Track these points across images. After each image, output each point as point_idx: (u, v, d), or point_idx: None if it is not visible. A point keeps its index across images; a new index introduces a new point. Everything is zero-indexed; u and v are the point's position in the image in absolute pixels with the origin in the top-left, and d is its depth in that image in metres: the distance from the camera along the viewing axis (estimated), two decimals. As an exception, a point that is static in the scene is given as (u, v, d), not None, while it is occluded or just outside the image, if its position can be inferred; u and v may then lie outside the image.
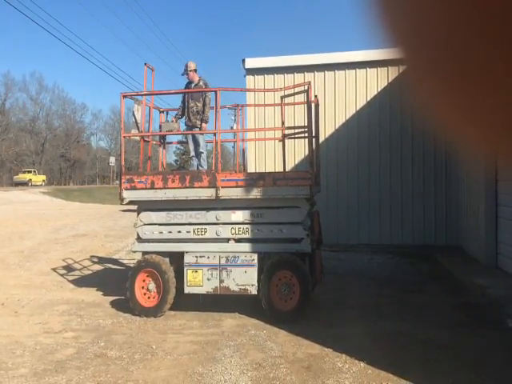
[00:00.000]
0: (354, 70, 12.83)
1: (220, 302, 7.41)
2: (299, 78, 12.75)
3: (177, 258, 7.38)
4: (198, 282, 7.12)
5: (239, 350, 5.73)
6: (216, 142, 7.43)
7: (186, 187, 7.23)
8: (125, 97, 7.75)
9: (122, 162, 7.86)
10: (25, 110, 77.15)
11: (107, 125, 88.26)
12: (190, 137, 8.93)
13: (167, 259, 7.31)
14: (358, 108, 12.84)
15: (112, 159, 64.83)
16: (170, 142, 9.61)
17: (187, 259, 7.17)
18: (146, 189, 7.38)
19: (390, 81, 12.62)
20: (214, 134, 7.55)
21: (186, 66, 8.77)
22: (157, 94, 8.95)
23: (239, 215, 7.20)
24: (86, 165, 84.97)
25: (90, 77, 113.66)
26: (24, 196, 33.77)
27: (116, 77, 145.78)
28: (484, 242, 9.62)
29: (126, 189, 7.47)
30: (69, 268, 10.73)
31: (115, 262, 11.73)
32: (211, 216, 7.27)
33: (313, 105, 7.49)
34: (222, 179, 7.12)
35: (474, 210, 10.35)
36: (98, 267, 11.02)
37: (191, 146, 8.86)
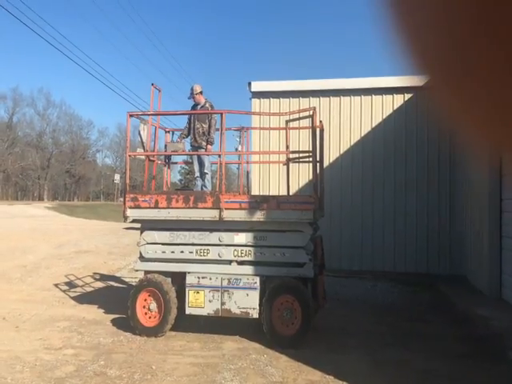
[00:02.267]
0: (359, 97, 12.94)
1: (221, 324, 7.37)
2: (304, 102, 12.86)
3: (179, 279, 7.37)
4: (199, 303, 7.10)
5: (239, 374, 5.69)
6: (220, 164, 7.49)
7: (190, 207, 7.25)
8: (131, 116, 7.83)
9: (127, 181, 7.92)
10: (32, 124, 78.02)
11: (113, 142, 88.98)
12: (195, 157, 9.00)
13: (169, 279, 7.30)
14: (362, 134, 12.91)
15: (117, 176, 65.13)
16: (175, 162, 9.69)
17: (189, 280, 7.17)
18: (149, 208, 7.42)
19: (395, 108, 12.72)
20: (219, 156, 7.61)
21: (192, 89, 8.88)
22: (163, 115, 9.06)
23: (242, 237, 7.21)
24: (90, 181, 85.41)
25: (97, 94, 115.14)
26: (29, 211, 33.87)
27: (123, 95, 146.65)
28: (488, 273, 9.58)
29: (130, 207, 7.51)
30: (71, 284, 10.72)
31: (117, 279, 11.72)
32: (214, 237, 7.28)
33: (317, 130, 7.55)
34: (226, 201, 7.14)
35: (478, 239, 10.33)
36: (100, 284, 11.01)
37: (196, 167, 8.92)
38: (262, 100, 13.21)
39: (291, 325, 6.80)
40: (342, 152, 13.00)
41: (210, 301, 7.05)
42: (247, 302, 6.95)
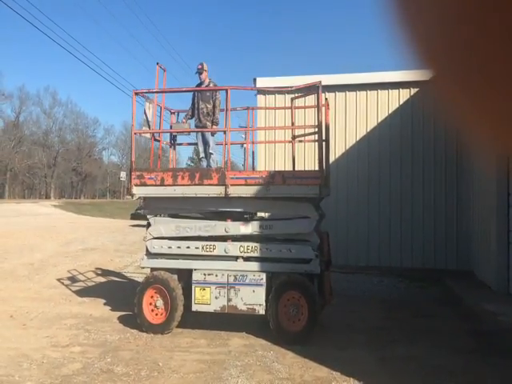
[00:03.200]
0: (364, 92, 12.88)
1: (228, 320, 7.36)
2: (310, 98, 12.78)
3: (185, 275, 7.37)
4: (205, 300, 7.09)
5: (246, 371, 5.68)
6: (226, 141, 7.49)
7: (196, 184, 7.23)
8: (136, 94, 7.81)
9: (133, 158, 7.89)
10: (38, 123, 78.33)
11: (119, 140, 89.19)
12: (199, 138, 8.93)
13: (175, 276, 7.30)
14: (368, 129, 12.85)
15: (123, 174, 65.25)
16: (180, 144, 9.62)
17: (195, 277, 7.16)
18: (155, 185, 7.39)
19: (401, 103, 12.65)
20: (224, 133, 7.58)
21: (202, 65, 8.83)
22: (168, 92, 8.98)
23: (248, 227, 7.20)
24: (97, 179, 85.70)
25: (103, 92, 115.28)
26: (36, 209, 34.01)
27: (128, 93, 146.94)
28: (495, 268, 9.52)
29: (136, 185, 7.48)
30: (77, 282, 10.75)
31: (124, 276, 11.75)
32: (220, 228, 7.28)
33: (323, 108, 7.47)
34: (232, 177, 7.12)
35: (485, 234, 10.27)
36: (106, 282, 11.04)
37: (201, 147, 8.88)
38: (267, 96, 13.14)
39: (298, 321, 6.78)
40: (347, 147, 12.95)
41: (216, 297, 7.05)
42: (253, 298, 6.94)
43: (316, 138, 7.54)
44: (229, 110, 7.43)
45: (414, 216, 12.40)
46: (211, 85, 8.81)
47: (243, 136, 12.07)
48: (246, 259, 7.17)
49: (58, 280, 10.85)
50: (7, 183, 71.30)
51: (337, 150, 12.85)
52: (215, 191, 7.17)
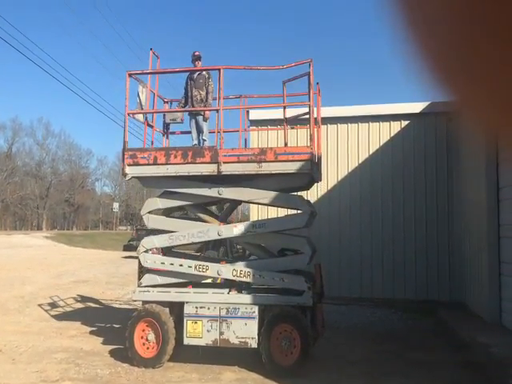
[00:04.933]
0: (356, 124, 13.06)
1: (220, 353, 7.30)
2: (302, 130, 12.91)
3: (176, 309, 7.34)
4: (197, 333, 7.05)
5: (238, 405, 5.63)
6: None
7: (188, 163, 7.26)
8: (130, 75, 7.80)
9: (126, 139, 7.77)
10: (31, 154, 78.27)
11: (112, 171, 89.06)
12: (193, 125, 8.91)
13: (167, 309, 7.26)
14: (360, 161, 12.99)
15: (116, 205, 65.21)
16: (173, 132, 9.59)
17: (187, 310, 7.13)
18: (148, 164, 7.41)
19: (392, 135, 12.82)
20: (217, 111, 7.62)
21: (199, 55, 8.88)
22: (162, 73, 8.95)
23: (241, 228, 7.24)
24: (89, 210, 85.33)
25: (96, 124, 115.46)
26: (27, 240, 33.77)
27: (122, 124, 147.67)
28: (487, 299, 9.53)
29: (129, 164, 7.49)
30: (68, 315, 10.65)
31: (115, 309, 11.65)
32: (213, 232, 7.31)
33: (313, 84, 7.46)
34: (224, 154, 7.16)
35: (477, 266, 10.31)
36: (98, 315, 10.93)
37: (194, 134, 8.85)
38: (260, 127, 13.19)
39: (290, 354, 6.75)
40: (340, 179, 13.06)
41: (208, 331, 7.01)
42: (246, 331, 6.90)
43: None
44: (222, 89, 7.43)
45: (406, 247, 12.44)
46: (204, 72, 8.85)
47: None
48: (239, 291, 7.17)
49: (49, 313, 10.75)
50: (-1, 215, 70.92)
51: (329, 181, 12.96)
52: (208, 169, 7.20)
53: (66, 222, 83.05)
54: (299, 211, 7.31)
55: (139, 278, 7.76)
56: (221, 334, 6.95)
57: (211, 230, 7.33)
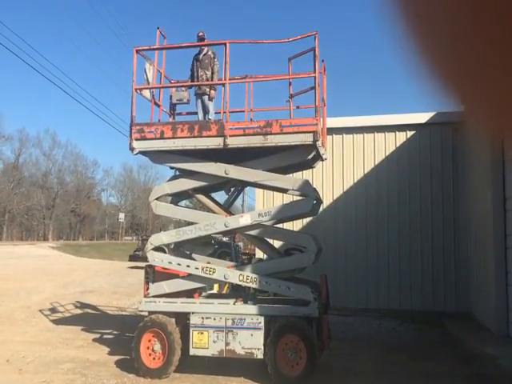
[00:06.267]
0: (361, 135, 13.09)
1: (226, 364, 7.29)
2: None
3: (183, 319, 7.35)
4: (203, 344, 7.05)
5: (244, 416, 5.62)
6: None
7: (195, 136, 7.30)
8: (138, 51, 7.84)
9: (133, 114, 7.77)
10: (37, 165, 78.48)
11: (118, 181, 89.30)
12: (199, 105, 8.92)
13: (173, 320, 7.27)
14: (365, 171, 13.01)
15: (121, 215, 65.25)
16: (180, 113, 9.58)
17: (193, 320, 7.14)
18: (155, 139, 7.46)
19: (397, 146, 12.85)
20: (223, 85, 7.64)
21: (203, 35, 8.78)
22: (168, 49, 8.92)
23: (247, 218, 7.27)
24: (95, 220, 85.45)
25: (102, 134, 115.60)
26: (33, 251, 33.88)
27: (127, 134, 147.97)
28: (494, 311, 9.49)
29: (136, 139, 7.53)
30: (75, 325, 10.65)
31: (122, 320, 11.65)
32: (220, 224, 7.34)
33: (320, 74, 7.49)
34: (230, 127, 7.19)
35: (484, 277, 10.28)
36: (104, 325, 10.93)
37: (200, 115, 8.85)
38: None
39: (296, 365, 6.73)
40: (345, 189, 13.09)
41: (214, 341, 7.00)
42: (252, 342, 6.89)
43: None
44: (228, 62, 7.42)
45: (412, 258, 12.42)
46: (209, 52, 8.87)
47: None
48: (245, 302, 7.18)
49: (55, 323, 10.77)
50: (5, 225, 71.11)
51: (334, 192, 12.99)
52: (214, 142, 7.24)
53: (72, 233, 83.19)
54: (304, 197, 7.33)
55: (145, 289, 7.77)
56: (227, 344, 6.95)
57: (218, 222, 7.36)
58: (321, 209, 12.85)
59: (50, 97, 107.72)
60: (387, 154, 12.91)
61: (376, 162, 12.97)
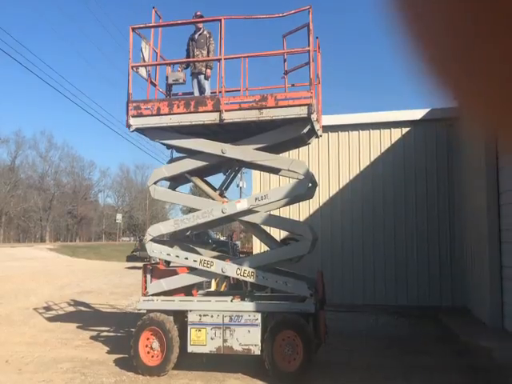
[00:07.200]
0: (357, 132, 13.16)
1: (224, 360, 7.36)
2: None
3: (180, 317, 7.41)
4: (201, 341, 7.10)
5: (242, 411, 5.68)
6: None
7: (191, 112, 7.35)
8: (133, 29, 7.86)
9: (130, 91, 7.79)
10: (34, 167, 78.36)
11: (115, 182, 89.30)
12: (195, 84, 8.90)
13: (171, 317, 7.33)
14: (361, 168, 13.08)
15: (119, 216, 65.15)
16: (176, 94, 9.59)
17: (191, 318, 7.19)
18: (152, 115, 7.51)
19: (392, 142, 12.92)
20: (218, 61, 7.68)
21: (200, 14, 8.81)
22: (164, 26, 8.90)
23: (244, 203, 7.34)
24: (92, 221, 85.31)
25: (98, 135, 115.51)
26: (31, 252, 33.88)
27: (124, 135, 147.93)
28: (489, 304, 9.57)
29: (133, 116, 7.58)
30: (73, 325, 10.70)
31: (120, 319, 11.69)
32: (217, 211, 7.39)
33: (315, 50, 7.52)
34: (226, 102, 7.24)
35: (479, 271, 10.36)
36: (102, 324, 10.98)
37: (196, 94, 8.81)
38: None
39: (293, 360, 6.80)
40: (341, 186, 13.15)
41: (211, 338, 7.06)
42: (249, 338, 6.95)
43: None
44: (223, 38, 7.44)
45: (408, 253, 12.50)
46: (205, 32, 8.86)
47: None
48: (242, 299, 7.25)
49: (54, 324, 10.81)
50: (2, 227, 71.00)
51: (331, 188, 13.05)
52: (210, 118, 7.30)
53: (69, 234, 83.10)
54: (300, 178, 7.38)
55: (144, 288, 7.82)
56: (224, 341, 7.01)
57: (215, 208, 7.41)
58: (317, 206, 13.09)
59: (46, 98, 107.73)
60: (382, 151, 12.98)
61: (372, 159, 13.04)
